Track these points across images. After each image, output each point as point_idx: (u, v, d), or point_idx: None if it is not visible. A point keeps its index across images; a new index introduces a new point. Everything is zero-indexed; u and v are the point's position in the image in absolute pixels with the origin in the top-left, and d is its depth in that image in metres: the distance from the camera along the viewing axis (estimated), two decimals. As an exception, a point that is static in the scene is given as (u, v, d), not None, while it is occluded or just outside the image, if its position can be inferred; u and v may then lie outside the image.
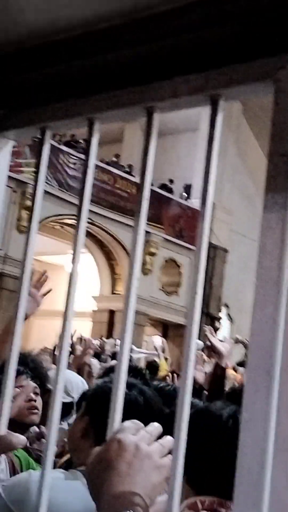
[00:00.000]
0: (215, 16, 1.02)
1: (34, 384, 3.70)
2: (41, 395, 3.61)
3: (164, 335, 21.86)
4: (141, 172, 1.15)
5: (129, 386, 2.19)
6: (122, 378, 1.15)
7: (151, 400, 2.24)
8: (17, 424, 3.23)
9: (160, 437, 1.21)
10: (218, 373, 4.60)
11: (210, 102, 1.07)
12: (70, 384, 4.23)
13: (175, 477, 1.07)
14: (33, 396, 3.57)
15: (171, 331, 22.47)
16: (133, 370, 2.38)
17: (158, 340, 9.58)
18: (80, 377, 4.61)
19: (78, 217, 1.22)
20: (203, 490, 1.78)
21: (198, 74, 1.06)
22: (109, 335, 19.68)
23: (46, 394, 3.75)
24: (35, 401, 3.59)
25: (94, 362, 6.45)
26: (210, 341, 4.71)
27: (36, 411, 3.56)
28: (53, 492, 1.91)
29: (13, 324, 1.26)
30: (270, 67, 0.99)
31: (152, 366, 10.68)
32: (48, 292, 3.52)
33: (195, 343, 1.08)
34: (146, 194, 1.12)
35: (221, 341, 4.89)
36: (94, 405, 2.22)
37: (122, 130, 25.60)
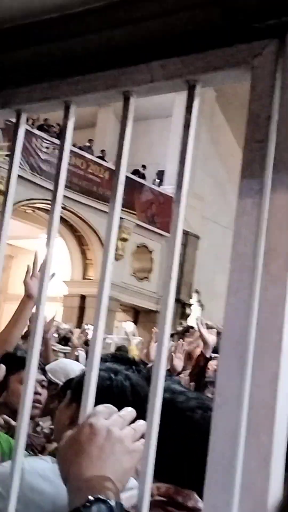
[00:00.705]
0: (193, 1, 1.01)
1: (42, 377, 3.67)
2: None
3: (135, 321, 21.93)
4: (117, 156, 1.14)
5: (114, 372, 2.19)
6: (95, 362, 1.15)
7: (137, 385, 2.23)
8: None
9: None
10: (201, 364, 4.63)
11: (187, 87, 1.07)
12: (73, 372, 4.20)
13: (147, 461, 1.07)
14: (39, 389, 3.54)
15: (142, 316, 22.54)
16: (127, 360, 2.38)
17: (129, 326, 9.62)
18: (80, 364, 4.58)
19: (52, 201, 1.21)
20: (161, 477, 1.78)
21: (175, 59, 1.05)
22: (80, 320, 19.70)
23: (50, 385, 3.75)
24: (40, 394, 3.55)
25: (82, 354, 6.47)
26: (200, 331, 4.73)
27: (38, 405, 3.52)
28: (42, 479, 1.91)
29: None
30: (247, 54, 0.99)
31: (121, 351, 10.69)
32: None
33: (169, 329, 1.08)
34: (122, 178, 1.12)
35: (210, 327, 4.92)
36: (81, 392, 2.22)
37: (95, 115, 25.50)
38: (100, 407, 1.19)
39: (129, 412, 1.22)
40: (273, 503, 0.90)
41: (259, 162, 0.96)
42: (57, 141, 19.54)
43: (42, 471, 1.91)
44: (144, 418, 2.18)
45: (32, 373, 1.21)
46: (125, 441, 1.15)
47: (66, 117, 1.18)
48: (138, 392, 2.22)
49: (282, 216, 0.94)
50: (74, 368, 4.20)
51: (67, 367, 4.21)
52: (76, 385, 2.34)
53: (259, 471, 0.91)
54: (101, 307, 1.15)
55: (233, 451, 0.93)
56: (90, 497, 1.02)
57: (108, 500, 1.02)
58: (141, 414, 2.22)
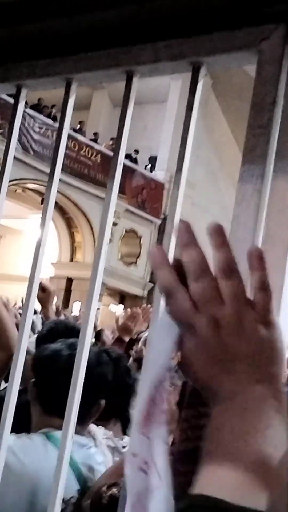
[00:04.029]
0: (202, -18, 1.00)
1: None
2: None
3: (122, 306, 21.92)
4: (117, 136, 1.13)
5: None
6: (86, 345, 1.14)
7: (120, 360, 2.24)
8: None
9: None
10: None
11: (191, 69, 1.05)
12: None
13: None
14: None
15: (128, 301, 22.51)
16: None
17: (119, 309, 9.64)
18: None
19: (49, 179, 1.20)
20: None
21: (181, 39, 1.04)
22: (66, 302, 19.69)
23: None
24: None
25: (34, 318, 6.40)
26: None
27: None
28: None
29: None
30: (254, 37, 0.98)
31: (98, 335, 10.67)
32: None
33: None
34: (121, 158, 1.11)
35: None
36: (39, 370, 2.22)
37: (90, 97, 25.37)
38: None
39: None
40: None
41: (262, 148, 0.95)
42: (50, 122, 19.47)
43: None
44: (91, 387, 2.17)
45: (22, 354, 1.20)
46: None
47: (67, 94, 1.17)
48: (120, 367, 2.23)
49: (283, 202, 0.93)
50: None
51: None
52: (36, 363, 2.33)
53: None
54: (94, 290, 1.14)
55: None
56: None
57: None
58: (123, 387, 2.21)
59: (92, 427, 2.54)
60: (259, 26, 0.97)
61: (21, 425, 1.79)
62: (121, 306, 10.53)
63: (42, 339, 3.15)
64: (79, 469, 2.06)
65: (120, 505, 1.04)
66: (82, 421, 1.92)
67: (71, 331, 3.06)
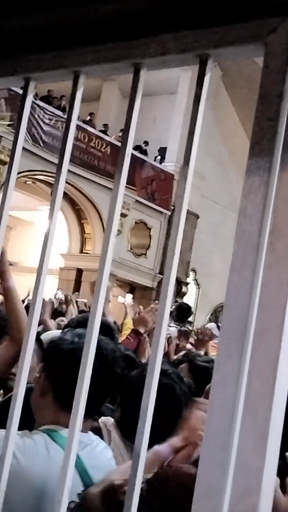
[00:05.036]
0: (209, -26, 1.00)
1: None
2: None
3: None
4: (124, 130, 1.13)
5: (78, 335, 2.16)
6: (94, 337, 1.14)
7: (104, 349, 2.18)
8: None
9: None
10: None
11: (198, 62, 1.05)
12: None
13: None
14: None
15: (138, 292, 22.54)
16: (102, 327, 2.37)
17: (128, 298, 9.61)
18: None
19: (57, 174, 1.20)
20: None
21: (188, 32, 1.04)
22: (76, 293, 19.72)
23: None
24: None
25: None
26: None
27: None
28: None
29: None
30: (262, 30, 0.98)
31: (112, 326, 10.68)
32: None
33: (170, 304, 1.08)
34: (129, 150, 1.11)
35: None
36: (50, 361, 2.21)
37: (99, 89, 25.36)
38: None
39: None
40: (267, 482, 0.91)
41: (269, 140, 0.95)
42: (60, 113, 19.46)
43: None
44: (108, 380, 2.15)
45: (30, 346, 1.20)
46: None
47: (75, 86, 1.17)
48: (105, 355, 2.16)
49: (290, 195, 0.93)
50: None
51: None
52: (45, 355, 2.33)
53: (255, 449, 0.91)
54: (102, 282, 1.15)
55: (229, 429, 0.93)
56: None
57: None
58: (107, 377, 2.18)
59: (103, 418, 2.54)
60: (266, 19, 0.97)
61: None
62: (129, 295, 10.51)
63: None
64: (85, 471, 2.03)
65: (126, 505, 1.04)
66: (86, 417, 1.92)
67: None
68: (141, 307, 5.89)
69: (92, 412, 2.23)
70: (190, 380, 3.09)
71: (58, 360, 2.12)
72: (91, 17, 1.12)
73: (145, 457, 1.07)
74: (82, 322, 3.49)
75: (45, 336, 4.22)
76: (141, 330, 4.76)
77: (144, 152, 23.11)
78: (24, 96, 1.24)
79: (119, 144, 20.12)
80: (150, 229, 22.97)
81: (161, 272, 21.44)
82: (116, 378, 2.22)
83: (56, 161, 1.21)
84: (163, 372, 2.09)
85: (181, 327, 8.39)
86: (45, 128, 19.33)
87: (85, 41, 1.13)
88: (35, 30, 1.17)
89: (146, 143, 23.40)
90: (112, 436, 2.54)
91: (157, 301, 5.26)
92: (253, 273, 0.94)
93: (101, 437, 2.36)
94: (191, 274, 24.82)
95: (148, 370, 1.08)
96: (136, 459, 1.05)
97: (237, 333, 0.94)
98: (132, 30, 1.09)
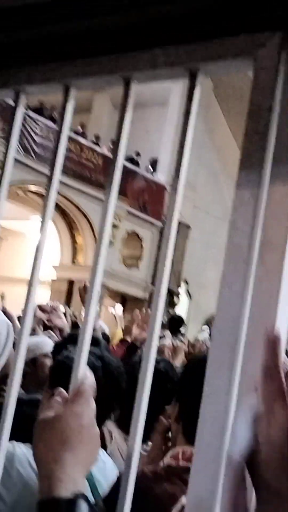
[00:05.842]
0: (199, -11, 1.01)
1: None
2: None
3: (122, 308, 21.91)
4: (115, 143, 1.14)
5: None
6: (85, 348, 1.15)
7: (110, 365, 2.24)
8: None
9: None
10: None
11: (188, 76, 1.06)
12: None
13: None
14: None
15: (129, 303, 22.52)
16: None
17: (119, 309, 9.63)
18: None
19: (48, 186, 1.21)
20: (193, 441, 1.80)
21: (178, 46, 1.05)
22: (68, 304, 19.69)
23: None
24: None
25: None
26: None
27: None
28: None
29: None
30: (251, 45, 0.98)
31: (103, 336, 10.68)
32: None
33: (161, 314, 1.08)
34: (120, 164, 1.12)
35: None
36: (56, 379, 2.22)
37: (91, 100, 25.40)
38: None
39: None
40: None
41: (259, 154, 0.96)
42: (51, 124, 19.48)
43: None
44: (117, 396, 2.19)
45: (21, 357, 1.20)
46: None
47: (65, 100, 1.17)
48: (111, 371, 2.23)
49: (280, 208, 0.94)
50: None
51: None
52: (51, 372, 2.34)
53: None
54: (93, 293, 1.15)
55: (221, 441, 0.93)
56: None
57: None
58: (114, 392, 2.23)
59: (110, 425, 2.57)
60: (255, 34, 0.97)
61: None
62: (119, 306, 10.52)
63: (61, 345, 3.20)
64: (94, 484, 2.05)
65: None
66: None
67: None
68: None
69: (99, 424, 2.28)
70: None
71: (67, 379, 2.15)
72: (81, 31, 1.13)
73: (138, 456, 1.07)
74: (73, 334, 3.53)
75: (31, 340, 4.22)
76: (128, 339, 4.81)
77: (136, 163, 23.15)
78: (15, 108, 1.24)
79: (110, 155, 20.09)
80: (141, 239, 22.97)
81: (153, 283, 21.43)
82: (121, 392, 2.30)
83: (48, 172, 1.22)
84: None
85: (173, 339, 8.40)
86: (37, 139, 19.35)
87: (76, 55, 1.14)
88: (26, 44, 1.18)
89: (138, 154, 23.44)
90: (113, 436, 2.61)
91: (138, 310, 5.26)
92: (243, 286, 0.94)
93: (103, 438, 2.39)
94: (183, 285, 24.82)
95: (139, 382, 1.08)
96: (128, 462, 1.05)
97: (228, 346, 0.95)
98: (122, 43, 1.09)
